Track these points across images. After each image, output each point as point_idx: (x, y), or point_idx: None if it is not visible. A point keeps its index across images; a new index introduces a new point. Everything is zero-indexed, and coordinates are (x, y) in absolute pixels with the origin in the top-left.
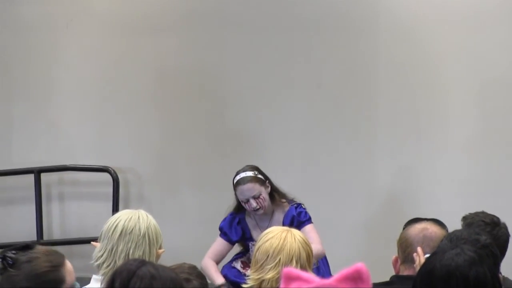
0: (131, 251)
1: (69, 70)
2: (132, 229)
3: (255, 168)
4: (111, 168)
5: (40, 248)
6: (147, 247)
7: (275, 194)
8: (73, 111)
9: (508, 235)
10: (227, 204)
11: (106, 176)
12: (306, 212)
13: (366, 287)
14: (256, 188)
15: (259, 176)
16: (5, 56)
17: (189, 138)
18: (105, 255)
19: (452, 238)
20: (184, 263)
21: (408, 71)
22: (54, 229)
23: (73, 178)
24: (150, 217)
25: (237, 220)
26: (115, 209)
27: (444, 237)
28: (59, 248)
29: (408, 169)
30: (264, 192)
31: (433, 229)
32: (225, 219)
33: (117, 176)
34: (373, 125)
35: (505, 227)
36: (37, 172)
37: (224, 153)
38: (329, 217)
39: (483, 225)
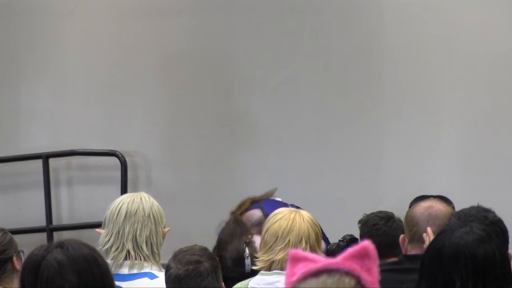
0: (138, 232)
1: (75, 55)
2: (136, 210)
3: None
4: (118, 152)
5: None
6: (153, 226)
7: None
8: (80, 96)
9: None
10: (235, 187)
11: (114, 160)
12: None
13: (373, 264)
14: None
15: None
16: (11, 41)
17: (197, 121)
18: (112, 239)
19: (461, 216)
20: (195, 245)
21: (414, 51)
22: (63, 214)
23: (81, 162)
24: (151, 198)
25: None
26: (124, 192)
27: (450, 214)
28: (69, 233)
29: (416, 148)
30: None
31: (438, 207)
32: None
33: (125, 160)
34: (380, 105)
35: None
36: (45, 157)
37: (231, 136)
38: (337, 198)
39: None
